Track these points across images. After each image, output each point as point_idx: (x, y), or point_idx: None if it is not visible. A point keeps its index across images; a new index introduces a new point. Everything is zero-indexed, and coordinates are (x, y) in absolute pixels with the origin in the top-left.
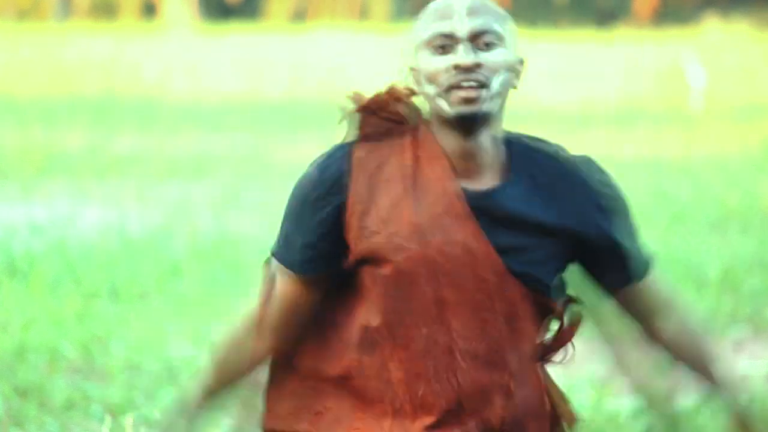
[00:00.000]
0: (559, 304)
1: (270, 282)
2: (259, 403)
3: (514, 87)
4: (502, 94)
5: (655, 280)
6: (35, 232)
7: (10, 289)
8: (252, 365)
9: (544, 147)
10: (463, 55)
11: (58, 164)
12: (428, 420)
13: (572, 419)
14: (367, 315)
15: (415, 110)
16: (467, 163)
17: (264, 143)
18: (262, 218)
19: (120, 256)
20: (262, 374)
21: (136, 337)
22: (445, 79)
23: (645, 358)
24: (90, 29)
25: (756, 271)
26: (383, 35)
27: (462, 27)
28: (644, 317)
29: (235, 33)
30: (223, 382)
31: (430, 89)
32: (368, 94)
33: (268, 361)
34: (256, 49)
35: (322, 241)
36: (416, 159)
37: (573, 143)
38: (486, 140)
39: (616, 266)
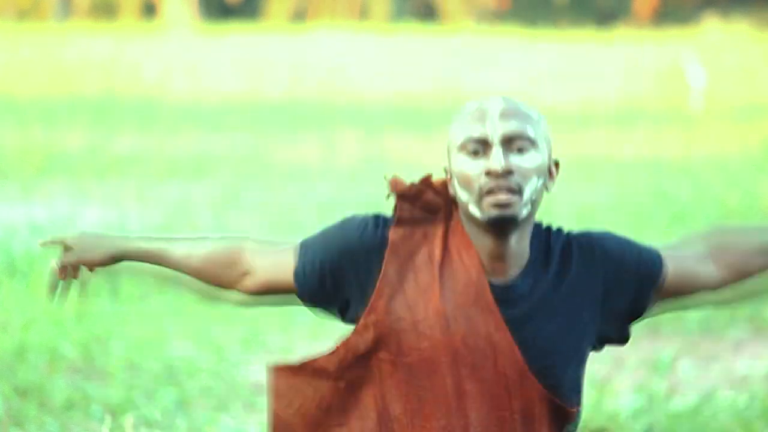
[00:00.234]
0: (576, 411)
1: (286, 249)
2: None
3: (547, 190)
4: (533, 200)
5: (674, 256)
6: (35, 232)
7: (10, 289)
8: (209, 279)
9: (553, 228)
10: (495, 161)
11: (58, 164)
12: None
13: None
14: (383, 400)
15: (449, 202)
16: (495, 263)
17: (264, 143)
18: (262, 218)
19: None
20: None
21: (136, 337)
22: (478, 184)
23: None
24: (90, 29)
25: None
26: (383, 35)
27: (495, 131)
28: (704, 283)
29: (235, 33)
30: (174, 263)
31: (463, 193)
32: (404, 181)
33: (221, 296)
34: (256, 49)
35: (330, 275)
36: (446, 249)
37: (573, 143)
38: (515, 242)
39: (645, 279)
